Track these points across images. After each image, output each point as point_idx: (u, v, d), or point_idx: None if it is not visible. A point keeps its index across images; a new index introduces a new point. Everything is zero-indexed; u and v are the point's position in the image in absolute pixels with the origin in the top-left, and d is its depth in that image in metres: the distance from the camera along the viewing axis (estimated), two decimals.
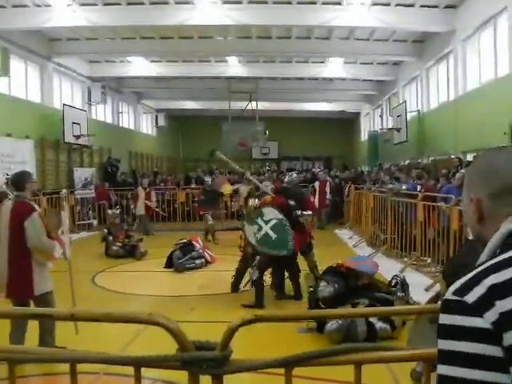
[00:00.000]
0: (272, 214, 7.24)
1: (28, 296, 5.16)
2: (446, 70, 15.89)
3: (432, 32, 15.48)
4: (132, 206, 15.93)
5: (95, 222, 16.79)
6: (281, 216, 7.24)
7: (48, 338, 5.15)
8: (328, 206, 16.67)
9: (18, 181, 5.34)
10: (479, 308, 1.03)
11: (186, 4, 13.86)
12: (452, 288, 1.10)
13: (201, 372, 1.85)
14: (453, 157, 13.75)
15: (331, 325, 5.48)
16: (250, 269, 7.53)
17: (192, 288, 8.37)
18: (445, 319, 1.08)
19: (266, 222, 7.15)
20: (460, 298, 1.06)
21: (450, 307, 1.08)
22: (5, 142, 13.76)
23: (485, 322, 1.02)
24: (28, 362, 2.02)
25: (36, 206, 5.37)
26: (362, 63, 20.20)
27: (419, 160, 17.24)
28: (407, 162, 18.45)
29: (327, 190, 16.61)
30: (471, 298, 1.05)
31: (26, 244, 5.04)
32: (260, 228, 7.11)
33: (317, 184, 16.85)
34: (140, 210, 15.31)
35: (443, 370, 1.06)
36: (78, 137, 17.27)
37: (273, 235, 7.06)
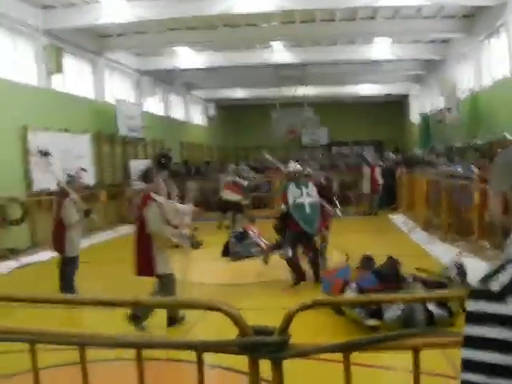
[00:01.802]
0: (314, 193, 7.87)
1: (150, 274, 5.89)
2: (499, 44, 15.30)
3: (482, 6, 14.90)
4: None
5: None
6: (318, 199, 7.84)
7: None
8: (379, 191, 16.45)
9: (148, 175, 6.24)
10: (503, 295, 1.08)
11: None
12: (479, 276, 1.15)
13: (260, 356, 1.91)
14: (509, 137, 13.29)
15: (390, 314, 5.50)
16: (280, 251, 8.07)
17: (248, 276, 8.50)
18: (471, 306, 1.13)
19: (308, 195, 7.73)
20: (485, 286, 1.12)
21: (476, 294, 1.13)
22: (62, 138, 14.26)
23: (508, 308, 1.06)
24: (97, 346, 2.14)
25: (158, 197, 5.96)
26: (409, 42, 19.73)
27: (474, 141, 16.76)
28: (461, 143, 17.97)
29: (377, 175, 16.36)
30: (496, 285, 1.10)
31: (147, 230, 5.76)
32: (301, 195, 7.67)
33: (366, 169, 16.62)
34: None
35: (469, 354, 1.11)
36: (131, 130, 17.69)
37: (308, 210, 7.60)
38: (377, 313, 5.65)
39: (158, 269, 5.80)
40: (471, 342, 1.11)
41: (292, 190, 7.73)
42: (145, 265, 5.82)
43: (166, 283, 5.87)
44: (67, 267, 7.66)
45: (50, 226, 8.02)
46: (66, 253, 7.63)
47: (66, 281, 7.60)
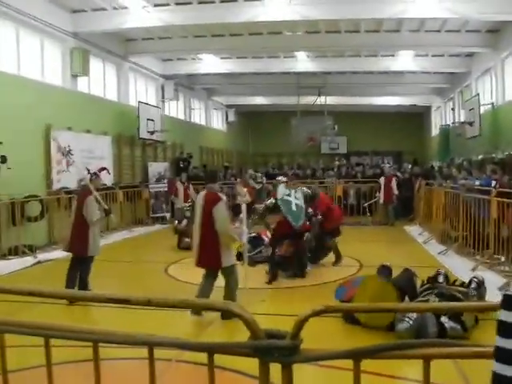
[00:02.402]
0: (301, 198, 8.79)
1: (216, 267, 6.52)
2: None
3: (507, 21, 14.80)
4: (173, 200, 16.39)
5: (168, 215, 17.30)
6: (303, 204, 8.71)
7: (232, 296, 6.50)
8: (394, 201, 16.33)
9: (213, 176, 7.05)
10: None
11: (255, 1, 14.01)
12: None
13: (271, 360, 1.93)
14: None
15: (402, 324, 5.49)
16: (263, 246, 9.87)
17: (262, 281, 8.51)
18: (506, 316, 1.04)
19: (296, 198, 8.67)
20: None
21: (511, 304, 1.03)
22: (85, 138, 14.47)
23: None
24: (110, 343, 2.19)
25: (223, 196, 6.66)
26: (433, 55, 19.64)
27: (493, 155, 16.63)
28: (480, 156, 17.83)
29: (393, 185, 16.25)
30: None
31: (214, 226, 6.27)
32: (289, 195, 8.67)
33: (382, 180, 16.54)
34: (180, 203, 15.79)
35: (499, 368, 1.03)
36: (152, 133, 17.86)
37: (294, 208, 8.50)
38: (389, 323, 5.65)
39: (223, 262, 6.43)
40: (504, 356, 1.03)
41: (281, 189, 8.90)
42: (212, 258, 6.41)
43: (231, 272, 6.56)
44: (83, 266, 7.61)
45: (69, 225, 7.83)
46: (88, 252, 7.55)
47: (82, 280, 7.59)
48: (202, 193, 6.72)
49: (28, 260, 10.59)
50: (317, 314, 1.96)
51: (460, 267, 9.14)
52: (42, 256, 11.05)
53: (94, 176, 8.12)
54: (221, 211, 6.33)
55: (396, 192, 16.24)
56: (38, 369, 2.98)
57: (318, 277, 8.76)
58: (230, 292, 6.57)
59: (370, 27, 16.45)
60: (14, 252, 10.97)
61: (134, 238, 14.59)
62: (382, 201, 16.43)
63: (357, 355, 1.91)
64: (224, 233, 6.31)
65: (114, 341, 2.20)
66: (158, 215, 17.25)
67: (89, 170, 8.37)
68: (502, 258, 8.97)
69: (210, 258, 6.43)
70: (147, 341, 2.13)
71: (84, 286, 7.57)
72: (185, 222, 12.57)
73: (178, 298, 2.05)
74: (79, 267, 7.62)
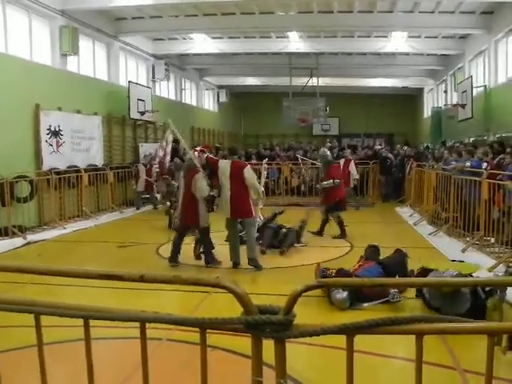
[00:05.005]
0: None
1: (249, 216, 8.02)
2: None
3: (502, 2, 14.71)
4: (133, 183, 16.36)
5: (159, 196, 17.18)
6: None
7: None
8: (350, 185, 14.99)
9: (234, 150, 9.21)
10: None
11: None
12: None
13: (264, 335, 1.91)
14: None
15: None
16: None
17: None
18: None
19: None
20: None
21: None
22: (75, 119, 14.31)
23: None
24: (101, 319, 2.16)
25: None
26: (426, 37, 19.54)
27: (485, 137, 16.65)
28: (472, 139, 17.85)
29: (351, 169, 15.24)
30: None
31: (244, 183, 7.84)
32: None
33: (342, 161, 14.97)
34: (140, 186, 15.79)
35: None
36: (142, 113, 17.70)
37: None
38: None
39: (254, 213, 8.05)
40: None
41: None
42: (244, 209, 7.93)
43: (254, 224, 8.20)
44: (206, 237, 8.36)
45: (180, 202, 8.52)
46: (201, 223, 8.27)
47: (208, 251, 8.38)
48: (227, 162, 8.14)
49: (18, 241, 10.53)
50: (311, 288, 1.93)
51: (450, 248, 9.21)
52: (31, 237, 10.99)
53: (200, 153, 8.66)
54: (250, 172, 7.93)
55: (356, 176, 15.48)
56: (29, 349, 2.96)
57: (306, 257, 8.78)
58: (251, 240, 8.05)
59: (363, 7, 16.30)
60: (4, 233, 10.89)
61: (125, 218, 14.55)
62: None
63: (350, 330, 1.89)
64: (253, 186, 7.89)
65: (105, 317, 2.18)
66: (148, 196, 17.13)
67: (194, 148, 8.97)
68: (492, 240, 9.02)
69: (243, 210, 7.90)
70: (139, 317, 2.11)
71: (210, 259, 8.34)
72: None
73: (170, 274, 2.02)
74: (184, 237, 8.56)
